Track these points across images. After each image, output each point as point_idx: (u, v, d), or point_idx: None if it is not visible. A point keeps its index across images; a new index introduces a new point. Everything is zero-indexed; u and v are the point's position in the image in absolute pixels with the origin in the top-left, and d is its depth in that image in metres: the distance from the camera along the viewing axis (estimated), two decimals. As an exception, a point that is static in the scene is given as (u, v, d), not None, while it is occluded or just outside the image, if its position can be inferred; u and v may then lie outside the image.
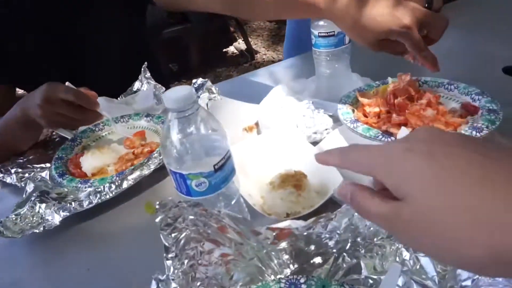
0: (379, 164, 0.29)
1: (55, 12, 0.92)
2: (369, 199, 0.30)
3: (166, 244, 0.39)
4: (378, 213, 0.29)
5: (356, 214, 0.47)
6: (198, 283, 0.43)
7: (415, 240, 0.27)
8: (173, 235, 0.39)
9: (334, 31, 0.74)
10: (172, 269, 0.40)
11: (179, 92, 0.40)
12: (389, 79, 0.76)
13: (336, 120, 0.74)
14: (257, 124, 0.82)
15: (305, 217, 0.50)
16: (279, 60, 1.81)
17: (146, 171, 0.68)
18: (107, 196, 0.65)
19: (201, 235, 0.40)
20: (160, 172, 0.71)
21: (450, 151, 0.26)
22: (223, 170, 0.44)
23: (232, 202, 0.49)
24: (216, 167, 0.43)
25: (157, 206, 0.37)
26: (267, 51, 3.38)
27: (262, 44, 3.51)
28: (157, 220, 0.37)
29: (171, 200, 0.37)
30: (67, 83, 0.82)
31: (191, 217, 0.38)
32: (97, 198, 0.65)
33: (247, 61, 3.23)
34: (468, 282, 0.42)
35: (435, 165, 0.26)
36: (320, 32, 0.75)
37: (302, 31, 1.19)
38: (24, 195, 0.69)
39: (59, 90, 0.75)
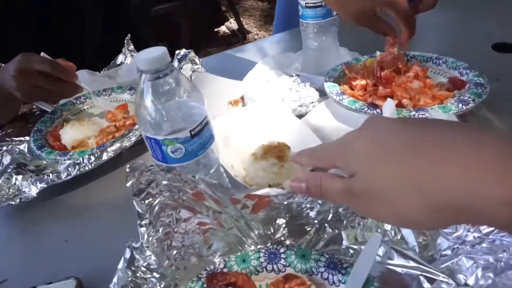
0: (336, 153, 0.33)
1: None
2: (328, 179, 0.33)
3: (140, 210, 0.38)
4: (335, 190, 0.32)
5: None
6: (174, 252, 0.42)
7: (370, 210, 0.31)
8: (146, 201, 0.38)
9: (321, 2, 0.72)
10: (146, 236, 0.39)
11: (152, 52, 0.38)
12: (378, 53, 0.74)
13: (322, 93, 0.72)
14: (242, 98, 0.80)
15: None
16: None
17: (126, 143, 0.66)
18: (86, 168, 0.63)
19: (177, 202, 0.39)
20: (141, 145, 0.69)
21: (388, 131, 0.30)
22: (200, 136, 0.43)
23: (211, 171, 0.47)
24: (192, 133, 0.41)
25: (127, 169, 0.35)
26: (259, 31, 3.32)
27: (254, 24, 3.45)
28: (128, 184, 0.36)
29: (142, 164, 0.36)
30: (42, 54, 0.78)
31: (165, 182, 0.37)
32: (75, 170, 0.63)
33: (239, 41, 3.18)
34: (448, 251, 0.42)
35: (375, 143, 0.30)
36: (308, 3, 0.73)
37: (292, 8, 1.16)
38: (0, 167, 0.67)
39: (33, 60, 0.72)
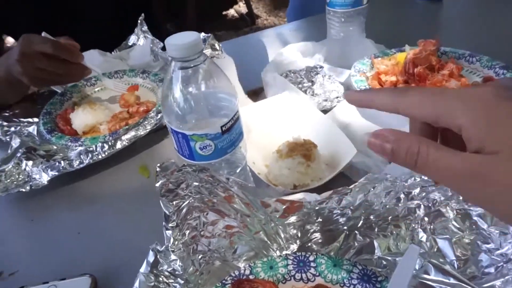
0: (456, 107, 0.23)
1: None
2: (433, 148, 0.23)
3: (167, 212, 0.35)
4: (451, 166, 0.23)
5: (373, 190, 0.43)
6: (200, 256, 0.39)
7: (504, 205, 0.22)
8: (174, 202, 0.35)
9: (352, -11, 0.68)
10: (172, 240, 0.36)
11: (184, 38, 0.34)
12: (407, 47, 0.70)
13: (347, 88, 0.69)
14: (262, 88, 0.76)
15: (314, 190, 0.46)
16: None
17: (141, 132, 0.63)
18: (100, 157, 0.60)
19: (205, 204, 0.36)
20: (157, 133, 0.66)
21: None
22: (231, 132, 0.39)
23: (238, 170, 0.44)
24: (223, 128, 0.38)
25: (157, 169, 0.32)
26: (269, 16, 3.25)
27: (263, 8, 3.37)
28: (157, 185, 0.33)
29: (173, 163, 0.32)
30: (43, 34, 0.72)
31: (196, 183, 0.34)
32: (88, 158, 0.60)
33: (248, 25, 3.11)
34: (491, 269, 0.39)
35: None
36: (338, -10, 0.69)
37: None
38: (9, 151, 0.64)
39: (34, 42, 0.67)
